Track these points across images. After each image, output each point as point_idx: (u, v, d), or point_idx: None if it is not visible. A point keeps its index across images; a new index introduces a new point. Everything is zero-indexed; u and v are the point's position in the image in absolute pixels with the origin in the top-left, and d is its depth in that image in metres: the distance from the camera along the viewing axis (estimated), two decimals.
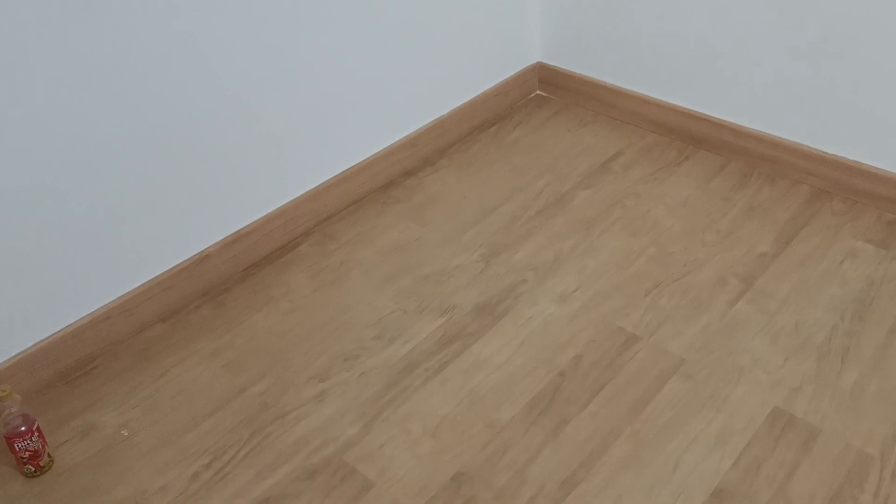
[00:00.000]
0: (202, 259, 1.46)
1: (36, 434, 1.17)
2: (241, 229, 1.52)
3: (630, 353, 1.33)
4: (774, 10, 1.57)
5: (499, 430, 1.22)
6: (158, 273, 1.42)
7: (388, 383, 1.31)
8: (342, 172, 1.67)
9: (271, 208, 1.56)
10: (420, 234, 1.62)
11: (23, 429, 1.16)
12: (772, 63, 1.62)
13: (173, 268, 1.43)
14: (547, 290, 1.47)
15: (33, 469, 1.19)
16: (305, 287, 1.50)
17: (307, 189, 1.61)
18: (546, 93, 2.05)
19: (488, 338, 1.38)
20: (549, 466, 1.17)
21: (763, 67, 1.64)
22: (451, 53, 1.79)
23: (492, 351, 1.36)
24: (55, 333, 1.33)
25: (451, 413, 1.25)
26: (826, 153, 1.63)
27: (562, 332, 1.38)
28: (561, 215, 1.65)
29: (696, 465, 1.15)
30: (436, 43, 1.74)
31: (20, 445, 1.16)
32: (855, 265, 1.48)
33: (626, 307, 1.42)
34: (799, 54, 1.57)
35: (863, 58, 1.50)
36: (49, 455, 1.20)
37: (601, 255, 1.54)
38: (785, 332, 1.35)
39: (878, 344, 1.32)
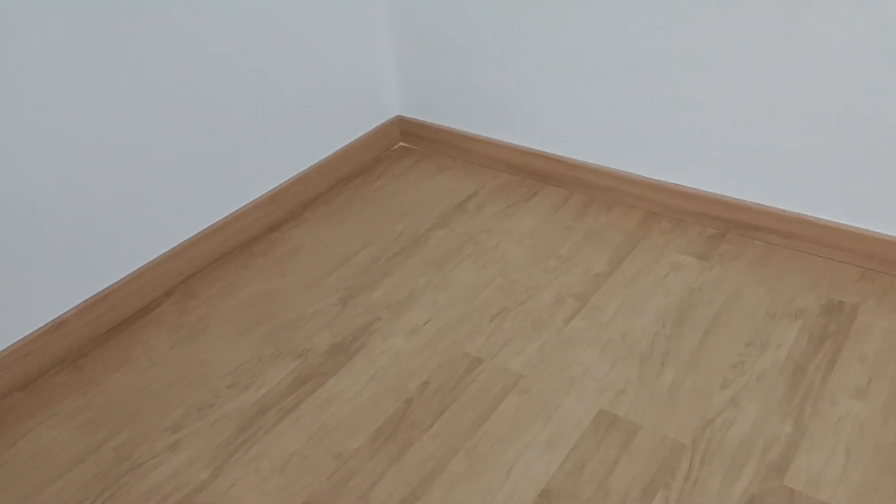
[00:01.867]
0: (57, 326, 1.51)
1: None
2: (99, 293, 1.58)
3: (473, 375, 1.44)
4: (598, 55, 1.77)
5: (346, 459, 1.31)
6: (12, 342, 1.47)
7: (241, 427, 1.38)
8: (203, 231, 1.76)
9: (130, 270, 1.63)
10: (280, 284, 1.71)
11: None
12: (601, 102, 1.81)
13: (27, 336, 1.49)
14: (400, 325, 1.58)
15: None
16: (164, 344, 1.57)
17: (167, 249, 1.70)
18: (408, 143, 2.20)
19: (341, 375, 1.47)
20: (392, 488, 1.25)
21: (594, 107, 1.83)
22: (310, 110, 1.93)
23: (343, 387, 1.45)
24: None
25: (301, 448, 1.33)
26: (654, 180, 1.82)
27: (411, 363, 1.49)
28: (417, 255, 1.77)
29: (526, 470, 1.26)
30: (295, 100, 1.88)
31: None
32: (678, 277, 1.65)
33: (472, 334, 1.54)
34: (623, 93, 1.77)
35: (681, 94, 1.70)
36: None
37: (452, 289, 1.66)
38: (613, 342, 1.50)
39: (695, 345, 1.47)
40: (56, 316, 1.52)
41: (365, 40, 2.02)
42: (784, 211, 1.69)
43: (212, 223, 1.78)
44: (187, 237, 1.74)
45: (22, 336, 1.48)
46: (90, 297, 1.57)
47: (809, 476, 1.22)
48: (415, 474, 1.27)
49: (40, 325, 1.50)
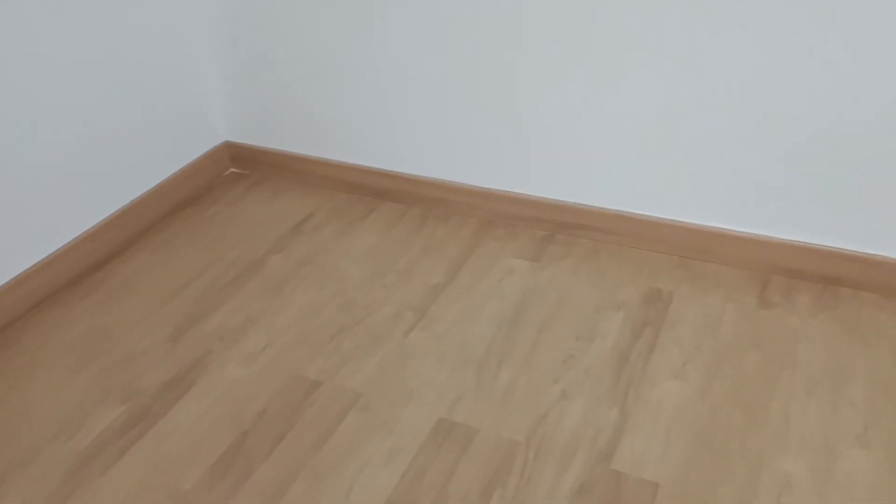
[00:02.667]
0: None
1: None
2: None
3: (312, 398, 1.45)
4: (426, 73, 1.82)
5: (182, 495, 1.27)
6: None
7: (66, 478, 1.31)
8: (17, 276, 1.66)
9: None
10: (107, 323, 1.64)
11: None
12: (433, 117, 1.87)
13: None
14: (235, 354, 1.55)
15: None
16: None
17: None
18: (240, 169, 2.18)
19: (175, 412, 1.43)
20: None
21: (427, 122, 1.88)
22: (132, 141, 1.87)
23: (177, 423, 1.41)
24: None
25: (134, 491, 1.28)
26: (486, 189, 1.90)
27: (248, 391, 1.47)
28: (253, 281, 1.75)
29: (367, 486, 1.28)
30: (114, 131, 1.81)
31: None
32: (512, 280, 1.72)
33: (310, 356, 1.54)
34: (453, 107, 1.84)
35: (505, 105, 1.79)
36: None
37: (290, 312, 1.66)
38: (451, 350, 1.54)
39: (528, 345, 1.55)
40: None
41: (187, 66, 1.98)
42: (605, 209, 1.81)
43: (27, 267, 1.68)
44: (2, 282, 1.63)
45: None
46: None
47: (634, 458, 1.31)
48: (254, 503, 1.26)
49: None
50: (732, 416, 1.37)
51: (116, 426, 1.40)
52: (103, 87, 1.76)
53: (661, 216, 1.77)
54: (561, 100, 1.72)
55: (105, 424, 1.41)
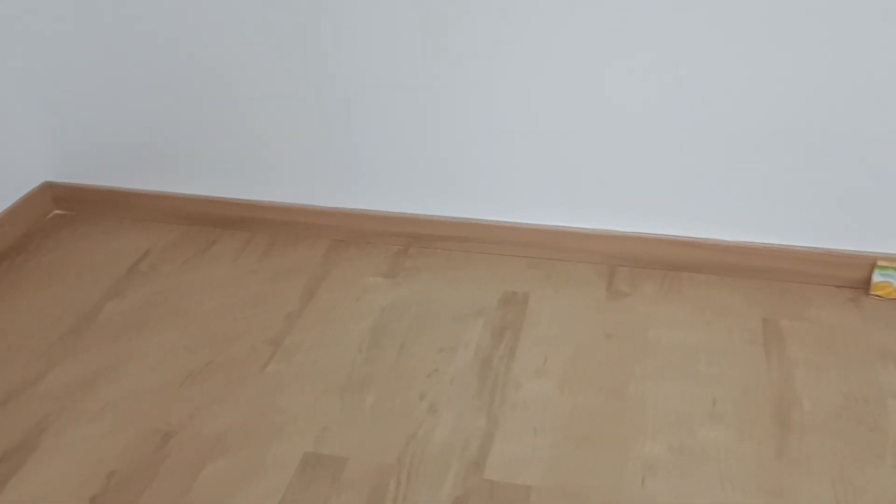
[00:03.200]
0: None
1: None
2: None
3: (167, 450, 1.36)
4: (261, 92, 1.78)
5: None
6: None
7: None
8: None
9: None
10: None
11: None
12: (273, 138, 1.82)
13: None
14: (75, 415, 1.44)
15: None
16: None
17: None
18: (65, 210, 2.03)
19: (12, 486, 1.30)
20: None
21: (267, 145, 1.83)
22: None
23: (16, 500, 1.29)
24: None
25: None
26: (336, 208, 1.88)
27: (95, 453, 1.36)
28: (88, 332, 1.63)
29: None
30: None
31: None
32: (369, 299, 1.71)
33: (162, 406, 1.45)
34: (294, 126, 1.79)
35: (350, 119, 1.77)
36: None
37: (134, 361, 1.56)
38: (313, 379, 1.51)
39: (392, 363, 1.54)
40: None
41: None
42: (456, 218, 1.83)
43: None
44: None
45: None
46: None
47: (505, 463, 1.33)
48: None
49: None
50: (594, 407, 1.43)
51: None
52: None
53: (509, 220, 1.82)
54: (404, 111, 1.73)
55: None
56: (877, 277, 1.63)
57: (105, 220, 2.00)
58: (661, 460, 1.32)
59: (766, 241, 1.70)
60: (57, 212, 2.03)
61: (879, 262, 1.63)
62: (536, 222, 1.81)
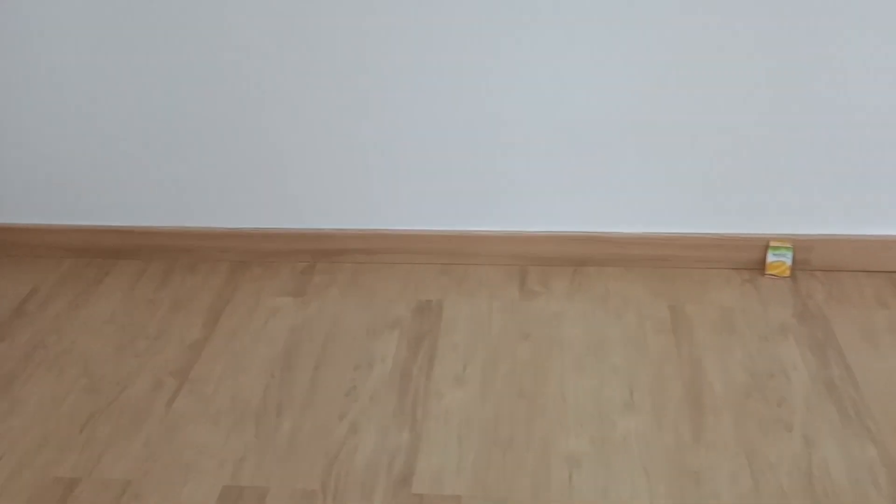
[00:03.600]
0: None
1: None
2: None
3: (71, 501, 1.29)
4: (144, 110, 1.70)
5: None
6: None
7: None
8: None
9: None
10: None
11: None
12: (161, 161, 1.75)
13: None
14: None
15: None
16: None
17: None
18: None
19: None
20: None
21: (155, 166, 1.75)
22: None
23: None
24: None
25: None
26: (235, 229, 1.82)
27: None
28: None
29: None
30: None
31: None
32: (278, 321, 1.67)
33: (61, 453, 1.37)
34: (195, 147, 1.73)
35: (240, 139, 1.72)
36: None
37: (25, 409, 1.46)
38: (224, 409, 1.46)
39: (307, 385, 1.51)
40: None
41: None
42: (363, 230, 1.81)
43: None
44: None
45: None
46: None
47: (432, 476, 1.32)
48: None
49: None
50: (516, 409, 1.44)
51: None
52: None
53: (418, 228, 1.81)
54: (296, 123, 1.70)
55: None
56: (770, 258, 1.72)
57: None
58: (586, 454, 1.35)
59: (665, 231, 1.76)
60: None
61: (772, 243, 1.72)
62: (445, 228, 1.81)
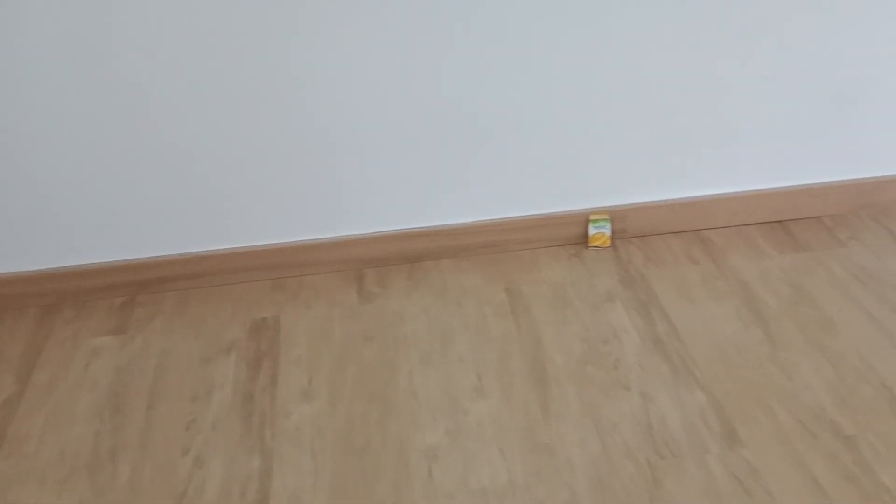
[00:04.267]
0: None
1: None
2: None
3: None
4: None
5: None
6: None
7: None
8: None
9: None
10: None
11: None
12: None
13: None
14: None
15: None
16: None
17: None
18: None
19: None
20: None
21: None
22: None
23: None
24: None
25: None
26: (40, 270, 1.69)
27: None
28: None
29: None
30: None
31: None
32: (100, 363, 1.56)
33: None
34: None
35: (27, 177, 1.59)
36: None
37: None
38: (52, 466, 1.34)
39: (141, 426, 1.43)
40: None
41: None
42: (184, 254, 1.73)
43: None
44: None
45: None
46: None
47: (290, 496, 1.29)
48: None
49: None
50: (368, 414, 1.44)
51: None
52: None
53: (244, 245, 1.76)
54: (96, 150, 1.60)
55: None
56: (591, 230, 1.83)
57: None
58: (442, 446, 1.37)
59: (493, 217, 1.83)
60: None
61: (591, 217, 1.83)
62: (272, 242, 1.77)
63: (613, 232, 1.86)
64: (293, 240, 1.78)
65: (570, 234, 1.86)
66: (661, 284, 1.72)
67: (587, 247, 1.85)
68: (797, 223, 1.87)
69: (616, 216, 1.85)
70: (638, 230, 1.87)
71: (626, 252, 1.82)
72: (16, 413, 1.45)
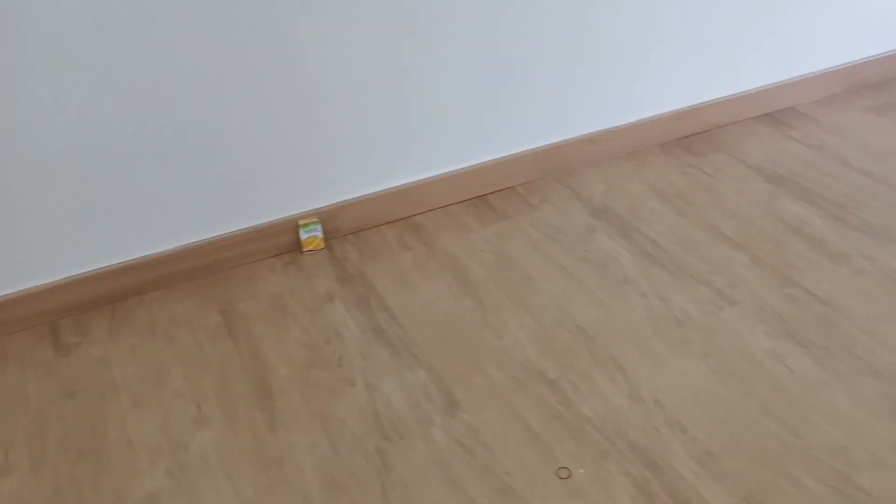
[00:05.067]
0: None
1: None
2: None
3: None
4: None
5: None
6: None
7: None
8: None
9: None
10: None
11: None
12: None
13: None
14: None
15: None
16: None
17: None
18: None
19: None
20: None
21: None
22: None
23: None
24: None
25: None
26: None
27: None
28: None
29: None
30: None
31: None
32: None
33: None
34: None
35: None
36: None
37: None
38: None
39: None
40: None
41: None
42: None
43: None
44: None
45: None
46: None
47: None
48: None
49: None
50: (78, 474, 1.32)
51: None
52: None
53: None
54: None
55: None
56: (303, 235, 1.83)
57: None
58: (164, 489, 1.29)
59: (199, 239, 1.76)
60: None
61: (301, 222, 1.83)
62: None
63: (326, 232, 1.87)
64: None
65: (284, 242, 1.84)
66: (378, 275, 1.76)
67: (302, 252, 1.85)
68: (495, 195, 2.01)
69: (326, 216, 1.87)
70: (351, 226, 1.90)
71: (341, 250, 1.84)
72: None
